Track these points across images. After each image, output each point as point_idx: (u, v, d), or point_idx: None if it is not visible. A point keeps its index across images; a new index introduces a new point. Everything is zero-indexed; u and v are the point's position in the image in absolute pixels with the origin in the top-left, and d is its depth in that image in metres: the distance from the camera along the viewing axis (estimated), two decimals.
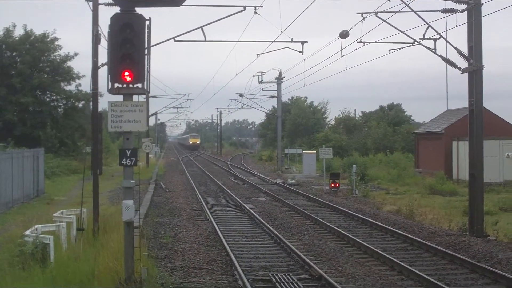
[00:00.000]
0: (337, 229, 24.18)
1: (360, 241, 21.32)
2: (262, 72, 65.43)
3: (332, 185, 41.17)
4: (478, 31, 23.25)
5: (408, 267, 17.25)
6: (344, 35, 29.51)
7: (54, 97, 63.97)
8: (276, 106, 75.54)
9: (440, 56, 24.53)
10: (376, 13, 25.87)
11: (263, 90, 70.60)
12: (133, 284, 13.98)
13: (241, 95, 77.35)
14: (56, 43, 62.67)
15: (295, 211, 30.82)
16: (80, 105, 64.80)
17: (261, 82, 66.18)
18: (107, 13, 14.62)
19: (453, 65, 23.93)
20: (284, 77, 66.58)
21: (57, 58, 62.54)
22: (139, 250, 15.01)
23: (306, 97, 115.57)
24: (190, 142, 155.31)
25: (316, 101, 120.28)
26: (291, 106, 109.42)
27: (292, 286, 15.52)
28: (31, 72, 60.23)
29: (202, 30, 27.14)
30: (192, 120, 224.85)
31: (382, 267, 18.07)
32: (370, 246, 20.32)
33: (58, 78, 62.70)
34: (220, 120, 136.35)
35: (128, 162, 14.10)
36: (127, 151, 14.08)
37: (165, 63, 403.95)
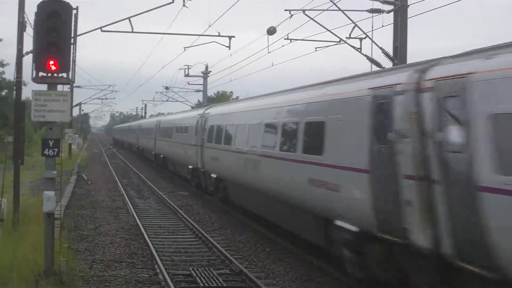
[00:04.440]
0: (259, 225, 24.28)
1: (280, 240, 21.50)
2: (188, 66, 65.06)
3: None
4: (404, 32, 23.63)
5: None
6: (271, 31, 29.59)
7: None
8: (202, 100, 75.37)
9: (365, 55, 24.88)
10: (303, 10, 26.03)
11: (189, 84, 70.20)
12: (53, 276, 13.86)
13: (166, 88, 76.83)
14: None
15: (217, 206, 30.75)
16: (3, 93, 63.35)
17: (187, 75, 65.82)
18: (34, 0, 14.41)
19: (378, 65, 24.25)
20: (210, 71, 66.30)
21: None
22: (59, 242, 14.90)
23: (232, 92, 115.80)
24: None
25: (242, 96, 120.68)
26: (216, 101, 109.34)
27: (212, 280, 15.61)
28: None
29: (130, 21, 26.83)
30: (117, 112, 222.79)
31: (302, 263, 18.26)
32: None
33: None
34: (145, 113, 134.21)
35: (51, 153, 13.98)
36: (49, 141, 13.96)
37: (91, 53, 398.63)
